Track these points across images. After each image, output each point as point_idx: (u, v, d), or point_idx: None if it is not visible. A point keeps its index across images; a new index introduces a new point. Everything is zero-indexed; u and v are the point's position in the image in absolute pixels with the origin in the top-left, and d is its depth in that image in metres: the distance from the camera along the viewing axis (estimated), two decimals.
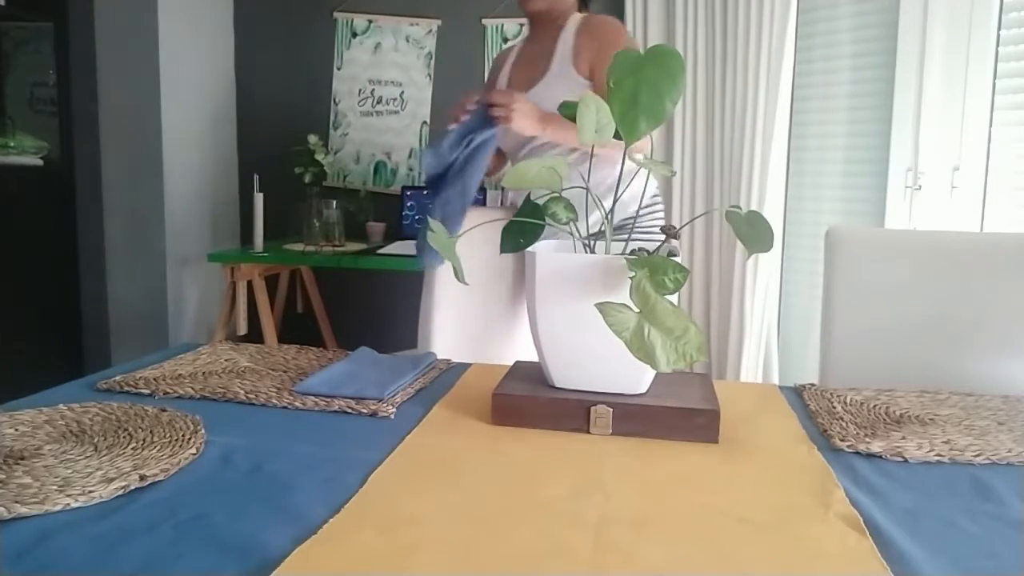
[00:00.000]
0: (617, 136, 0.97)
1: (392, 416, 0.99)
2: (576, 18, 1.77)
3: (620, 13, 2.91)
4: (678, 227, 1.13)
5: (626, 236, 1.15)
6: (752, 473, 0.83)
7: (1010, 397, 1.13)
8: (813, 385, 1.18)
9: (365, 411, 1.00)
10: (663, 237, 1.04)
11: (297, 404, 1.02)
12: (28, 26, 2.87)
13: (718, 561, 0.64)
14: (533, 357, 1.05)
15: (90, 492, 0.72)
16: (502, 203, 2.90)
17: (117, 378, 1.11)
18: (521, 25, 3.09)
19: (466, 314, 1.69)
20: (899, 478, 0.82)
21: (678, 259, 0.93)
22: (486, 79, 2.05)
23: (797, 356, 2.81)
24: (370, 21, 3.21)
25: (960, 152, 2.27)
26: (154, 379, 1.12)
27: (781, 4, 2.57)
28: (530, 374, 1.06)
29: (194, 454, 0.83)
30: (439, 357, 1.31)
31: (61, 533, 0.66)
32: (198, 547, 0.64)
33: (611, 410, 0.94)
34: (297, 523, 0.68)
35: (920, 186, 2.33)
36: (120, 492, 0.73)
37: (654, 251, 1.02)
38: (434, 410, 1.03)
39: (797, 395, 1.14)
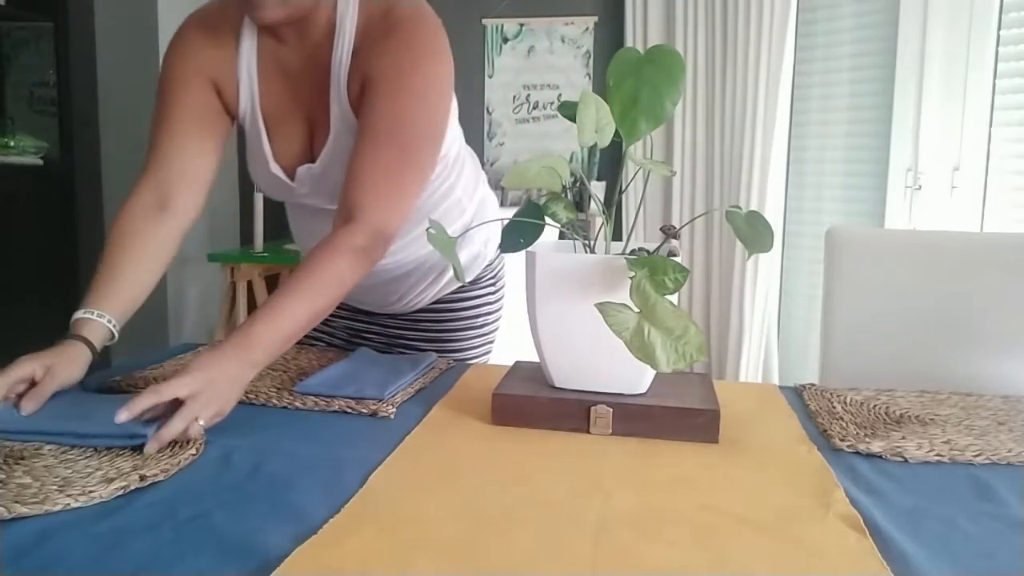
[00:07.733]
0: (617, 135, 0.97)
1: (392, 416, 0.99)
2: (351, 14, 1.07)
3: (620, 14, 2.90)
4: (678, 227, 1.13)
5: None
6: (752, 473, 0.83)
7: (1010, 397, 1.13)
8: (813, 385, 1.18)
9: (365, 411, 1.00)
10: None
11: (297, 404, 1.02)
12: (28, 26, 2.87)
13: (718, 561, 0.64)
14: (533, 357, 1.05)
15: (90, 492, 0.72)
16: (503, 203, 2.90)
17: (117, 378, 1.11)
18: (521, 25, 3.08)
19: None
20: (899, 478, 0.82)
21: (678, 259, 0.93)
22: (164, 99, 1.18)
23: (797, 356, 2.81)
24: None
25: (960, 152, 2.27)
26: (154, 379, 1.12)
27: (781, 4, 2.57)
28: (530, 374, 1.06)
29: (194, 454, 0.83)
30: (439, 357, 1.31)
31: (61, 533, 0.66)
32: (198, 547, 0.64)
33: (611, 410, 0.94)
34: (297, 523, 0.68)
35: (920, 186, 2.33)
36: (120, 492, 0.73)
37: (654, 251, 1.02)
38: (434, 410, 1.02)
39: (797, 395, 1.14)
